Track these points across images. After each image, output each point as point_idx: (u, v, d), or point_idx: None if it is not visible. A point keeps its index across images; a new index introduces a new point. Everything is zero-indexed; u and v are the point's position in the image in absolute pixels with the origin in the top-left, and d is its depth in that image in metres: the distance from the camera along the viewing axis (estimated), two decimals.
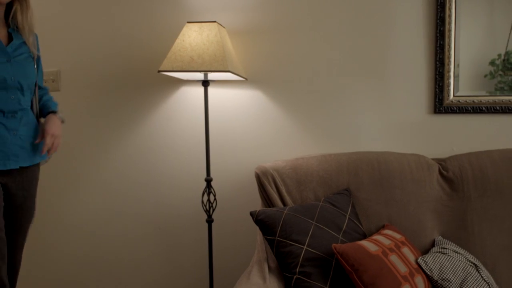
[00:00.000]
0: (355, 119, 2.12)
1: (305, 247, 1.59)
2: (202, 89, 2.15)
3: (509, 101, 2.01)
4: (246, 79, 2.13)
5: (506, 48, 2.03)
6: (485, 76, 2.05)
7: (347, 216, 1.74)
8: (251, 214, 1.71)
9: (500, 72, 2.04)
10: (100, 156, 2.31)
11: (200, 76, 2.06)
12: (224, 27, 2.08)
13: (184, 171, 2.24)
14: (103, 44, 2.28)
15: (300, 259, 1.57)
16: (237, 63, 2.06)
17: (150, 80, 2.23)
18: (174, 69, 1.91)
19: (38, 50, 1.67)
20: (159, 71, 1.92)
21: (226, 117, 2.20)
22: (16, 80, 1.54)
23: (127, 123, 2.27)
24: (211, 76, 2.05)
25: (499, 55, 2.03)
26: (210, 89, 2.18)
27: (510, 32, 2.02)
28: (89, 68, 2.30)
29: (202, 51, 1.90)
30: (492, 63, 2.04)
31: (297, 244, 1.60)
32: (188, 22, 1.97)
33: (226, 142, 2.20)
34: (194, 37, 1.93)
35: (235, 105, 2.19)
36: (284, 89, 2.16)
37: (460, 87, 2.05)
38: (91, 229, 2.34)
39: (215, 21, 1.95)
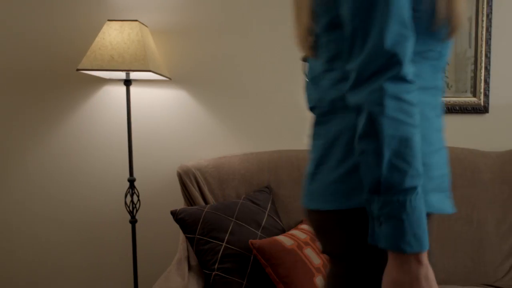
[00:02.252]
0: (277, 119, 2.19)
1: (224, 244, 1.62)
2: (124, 88, 2.13)
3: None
4: (170, 79, 2.13)
5: None
6: None
7: (267, 212, 1.79)
8: (172, 213, 1.72)
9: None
10: (17, 157, 2.21)
11: (122, 75, 2.03)
12: (146, 26, 2.07)
13: (107, 171, 2.20)
14: (19, 41, 2.18)
15: (219, 256, 1.60)
16: (160, 63, 2.05)
17: (70, 78, 2.17)
18: (94, 68, 1.87)
19: None
20: (77, 70, 1.87)
21: (150, 117, 2.18)
22: None
23: (44, 123, 2.19)
24: (133, 75, 2.03)
25: None
26: (133, 89, 2.16)
27: None
28: (2, 66, 2.19)
29: (122, 50, 1.88)
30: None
31: (216, 241, 1.63)
32: (109, 20, 1.93)
33: (150, 142, 2.19)
34: (114, 36, 1.90)
35: (159, 105, 2.18)
36: (208, 89, 2.18)
37: None
38: (10, 230, 2.23)
39: (136, 20, 1.93)
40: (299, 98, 2.18)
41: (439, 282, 1.81)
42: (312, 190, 0.83)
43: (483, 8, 2.14)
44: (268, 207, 1.82)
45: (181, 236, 1.86)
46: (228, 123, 2.19)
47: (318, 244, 1.67)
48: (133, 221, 2.05)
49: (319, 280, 1.54)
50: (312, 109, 0.89)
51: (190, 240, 1.68)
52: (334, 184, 0.78)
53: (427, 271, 0.67)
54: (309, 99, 0.90)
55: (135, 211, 2.05)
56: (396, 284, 0.67)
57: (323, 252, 0.87)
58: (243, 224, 1.70)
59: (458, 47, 2.17)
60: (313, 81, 0.87)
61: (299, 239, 1.64)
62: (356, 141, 0.69)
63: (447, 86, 2.18)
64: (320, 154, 0.82)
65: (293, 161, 1.96)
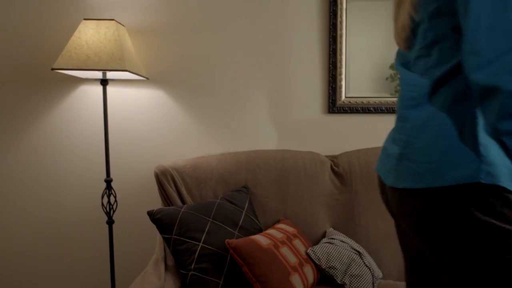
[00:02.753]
0: (255, 119, 2.19)
1: (201, 243, 1.62)
2: (101, 88, 2.11)
3: (393, 102, 2.20)
4: (147, 78, 2.12)
5: None
6: (387, 79, 2.22)
7: (244, 212, 1.80)
8: (149, 213, 1.71)
9: (399, 75, 2.21)
10: None
11: (98, 74, 2.01)
12: (123, 26, 2.05)
13: (83, 172, 2.17)
14: None
15: (196, 256, 1.60)
16: (137, 63, 2.04)
17: (46, 78, 2.14)
18: (69, 67, 1.85)
19: None
20: (52, 69, 1.85)
21: (127, 117, 2.17)
22: None
23: (19, 123, 2.16)
24: (110, 75, 2.02)
25: None
26: (111, 88, 2.15)
27: None
28: None
29: (99, 49, 1.86)
30: (392, 67, 2.22)
31: (193, 241, 1.63)
32: (85, 19, 1.91)
33: (127, 142, 2.17)
34: (90, 35, 1.89)
35: (136, 104, 2.17)
36: (186, 89, 2.18)
37: (352, 88, 2.20)
38: None
39: (113, 19, 1.92)
40: (277, 97, 2.19)
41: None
42: (400, 170, 0.87)
43: None
44: (246, 207, 1.83)
45: (158, 236, 1.85)
46: (206, 123, 2.19)
47: (295, 243, 1.68)
48: (110, 222, 2.04)
49: (295, 278, 1.55)
50: (403, 92, 0.94)
51: (166, 240, 1.67)
52: (426, 164, 0.82)
53: None
54: (401, 83, 0.96)
55: (112, 212, 2.04)
56: None
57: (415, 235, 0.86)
58: (220, 224, 1.70)
59: None
60: (404, 66, 0.92)
61: (276, 239, 1.65)
62: (495, 124, 0.67)
63: None
64: (409, 135, 0.88)
65: (271, 161, 1.97)
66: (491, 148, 0.77)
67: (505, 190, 0.75)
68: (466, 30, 0.70)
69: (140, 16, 2.15)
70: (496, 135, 0.67)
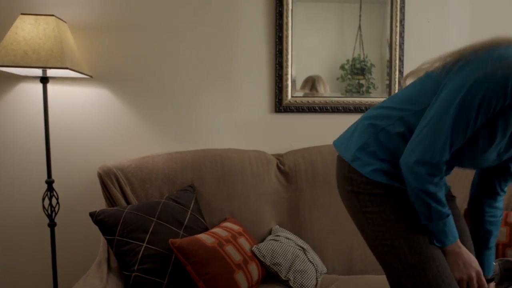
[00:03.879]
0: (202, 118, 2.19)
1: (144, 244, 1.60)
2: (41, 86, 2.03)
3: (337, 102, 2.27)
4: (91, 76, 2.07)
5: (353, 55, 2.28)
6: (337, 79, 2.28)
7: (190, 211, 1.80)
8: (91, 214, 1.67)
9: (349, 76, 2.28)
10: None
11: (38, 72, 1.94)
12: (64, 22, 1.99)
13: (23, 173, 2.09)
14: None
15: (139, 256, 1.58)
16: (79, 60, 1.98)
17: None
18: (5, 64, 1.77)
19: None
20: None
21: (70, 116, 2.10)
22: None
23: None
24: (51, 72, 1.95)
25: (348, 61, 2.28)
26: (52, 86, 2.08)
27: (355, 40, 2.28)
28: None
29: (37, 45, 1.80)
30: (342, 67, 2.27)
31: (136, 242, 1.61)
32: (22, 14, 1.84)
33: (70, 142, 2.11)
34: (28, 30, 1.82)
35: (79, 103, 2.11)
36: (132, 88, 2.14)
37: (298, 88, 2.25)
38: None
39: (53, 15, 1.86)
40: (224, 96, 2.20)
41: None
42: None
43: (396, 14, 2.28)
44: (191, 206, 1.82)
45: (102, 238, 1.81)
46: (152, 122, 2.16)
47: (240, 241, 1.70)
48: (52, 225, 1.97)
49: (239, 276, 1.57)
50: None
51: (109, 242, 1.64)
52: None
53: (460, 248, 1.14)
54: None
55: (53, 214, 1.97)
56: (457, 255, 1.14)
57: None
58: (165, 224, 1.69)
59: (382, 51, 2.29)
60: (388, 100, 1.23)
61: (221, 237, 1.66)
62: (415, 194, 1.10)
63: (373, 87, 2.30)
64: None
65: (217, 159, 1.97)
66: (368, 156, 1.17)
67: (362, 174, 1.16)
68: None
69: (82, 13, 2.09)
70: (404, 171, 1.09)
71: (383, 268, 1.16)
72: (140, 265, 1.57)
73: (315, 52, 2.25)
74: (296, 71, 2.23)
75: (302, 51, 2.24)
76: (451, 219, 1.13)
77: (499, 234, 1.87)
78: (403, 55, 2.31)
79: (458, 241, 1.15)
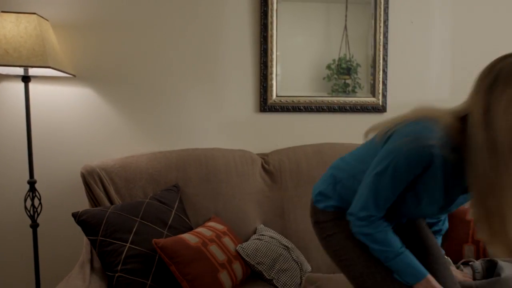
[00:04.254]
0: (187, 118, 2.18)
1: (128, 244, 1.59)
2: (23, 85, 2.01)
3: (322, 102, 2.28)
4: (74, 75, 2.05)
5: (339, 54, 2.29)
6: (324, 78, 2.29)
7: (174, 211, 1.79)
8: (74, 215, 1.66)
9: (335, 76, 2.29)
10: None
11: (20, 71, 1.92)
12: (47, 20, 1.96)
13: (4, 173, 2.06)
14: None
15: (123, 257, 1.57)
16: (62, 59, 1.96)
17: None
18: None
19: None
20: None
21: (52, 115, 2.08)
22: None
23: None
24: (33, 71, 1.92)
25: (334, 60, 2.29)
26: (34, 85, 2.05)
27: (341, 40, 2.29)
28: None
29: (19, 44, 1.77)
30: (328, 67, 2.28)
31: (120, 242, 1.60)
32: (3, 12, 1.81)
33: (52, 142, 2.08)
34: (9, 29, 1.79)
35: (62, 102, 2.08)
36: (115, 87, 2.13)
37: (288, 87, 2.25)
38: None
39: (34, 13, 1.83)
40: (209, 96, 2.20)
41: None
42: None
43: (380, 15, 2.30)
44: (176, 206, 1.82)
45: (85, 238, 1.80)
46: (136, 122, 2.15)
47: (224, 240, 1.70)
48: (34, 225, 1.95)
49: (223, 275, 1.57)
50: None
51: (92, 242, 1.63)
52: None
53: (428, 283, 1.18)
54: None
55: (36, 215, 1.95)
56: None
57: None
58: (149, 224, 1.68)
59: (368, 51, 2.31)
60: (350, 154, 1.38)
61: (205, 236, 1.66)
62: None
63: (359, 87, 2.32)
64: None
65: (202, 159, 1.97)
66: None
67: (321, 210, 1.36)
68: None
69: (65, 11, 2.06)
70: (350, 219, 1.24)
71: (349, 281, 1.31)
72: (124, 265, 1.56)
73: (301, 51, 2.26)
74: (281, 70, 2.24)
75: (288, 51, 2.24)
76: (405, 257, 1.20)
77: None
78: (387, 55, 2.33)
79: (428, 278, 1.19)
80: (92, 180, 1.83)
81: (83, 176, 1.83)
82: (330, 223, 1.33)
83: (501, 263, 1.48)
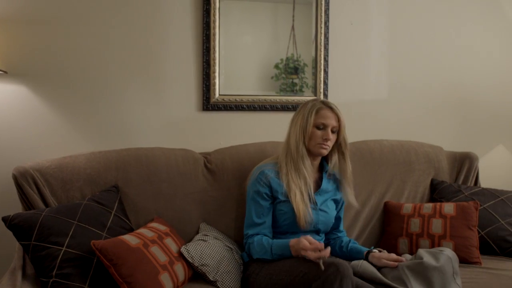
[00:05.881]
0: (127, 117, 2.14)
1: (64, 248, 1.54)
2: None
3: (265, 100, 2.30)
4: (5, 72, 1.94)
5: (287, 54, 2.31)
6: (272, 77, 2.30)
7: (113, 212, 1.74)
8: (4, 219, 1.58)
9: (283, 75, 2.31)
10: None
11: None
12: None
13: None
14: None
15: (58, 261, 1.51)
16: None
17: None
18: None
19: None
20: None
21: None
22: None
23: None
24: None
25: (282, 60, 2.30)
26: None
27: (289, 40, 2.31)
28: None
29: None
30: (276, 66, 2.30)
31: (55, 246, 1.53)
32: None
33: None
34: None
35: None
36: (51, 84, 2.04)
37: (233, 86, 2.25)
38: None
39: None
40: (151, 94, 2.16)
41: None
42: None
43: (321, 16, 2.35)
44: (115, 207, 1.77)
45: (17, 244, 1.71)
46: (74, 120, 2.07)
47: (166, 241, 1.68)
48: None
49: (164, 277, 1.55)
50: None
51: (25, 247, 1.56)
52: None
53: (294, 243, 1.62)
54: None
55: None
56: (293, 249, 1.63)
57: None
58: (86, 226, 1.63)
59: (313, 51, 2.36)
60: None
61: (146, 237, 1.63)
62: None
63: (306, 86, 2.36)
64: None
65: (142, 159, 1.93)
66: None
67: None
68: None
69: None
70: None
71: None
72: (59, 270, 1.50)
73: (249, 50, 2.27)
74: (226, 69, 2.24)
75: (235, 50, 2.25)
76: (270, 241, 1.72)
77: (418, 227, 2.00)
78: (327, 56, 2.39)
79: (289, 241, 1.63)
80: (25, 182, 1.74)
81: (15, 178, 1.74)
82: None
83: (420, 251, 1.69)
